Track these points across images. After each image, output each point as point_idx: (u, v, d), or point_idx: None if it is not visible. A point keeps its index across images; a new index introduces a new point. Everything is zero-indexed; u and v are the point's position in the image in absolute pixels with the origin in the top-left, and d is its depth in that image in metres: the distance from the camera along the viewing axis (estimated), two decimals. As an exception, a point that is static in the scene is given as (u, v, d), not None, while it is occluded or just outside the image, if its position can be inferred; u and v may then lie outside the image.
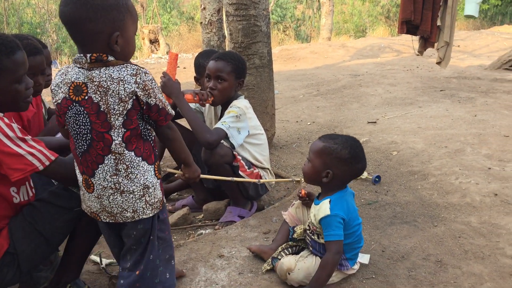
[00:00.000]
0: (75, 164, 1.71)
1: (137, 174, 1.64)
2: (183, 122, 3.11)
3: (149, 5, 21.35)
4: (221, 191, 2.95)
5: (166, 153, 3.40)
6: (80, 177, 1.70)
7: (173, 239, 2.63)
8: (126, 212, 1.66)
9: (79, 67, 1.59)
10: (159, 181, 1.71)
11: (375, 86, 6.51)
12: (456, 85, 6.26)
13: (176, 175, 2.65)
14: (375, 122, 4.66)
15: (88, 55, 1.55)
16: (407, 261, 2.22)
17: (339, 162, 1.95)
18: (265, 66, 3.66)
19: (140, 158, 1.64)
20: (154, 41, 14.27)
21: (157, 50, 14.06)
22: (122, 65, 1.56)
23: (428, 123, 4.46)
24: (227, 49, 3.57)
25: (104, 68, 1.56)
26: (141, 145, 1.65)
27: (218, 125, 2.60)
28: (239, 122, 2.64)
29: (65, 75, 1.62)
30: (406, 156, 3.61)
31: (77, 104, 1.59)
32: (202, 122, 2.63)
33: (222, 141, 2.61)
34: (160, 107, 1.61)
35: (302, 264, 2.00)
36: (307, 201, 2.17)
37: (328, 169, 1.95)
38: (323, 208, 1.93)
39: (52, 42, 18.66)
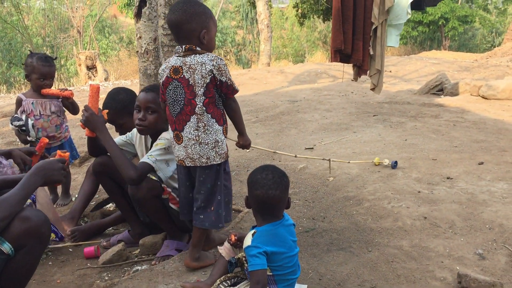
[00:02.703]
0: (169, 124, 2.40)
1: (211, 131, 2.30)
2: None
3: (85, 30, 20.93)
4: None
5: (101, 187, 3.30)
6: (172, 133, 2.39)
7: (107, 278, 2.56)
8: (202, 158, 2.31)
9: (177, 56, 2.31)
10: (225, 139, 2.37)
11: (312, 112, 6.68)
12: (388, 110, 6.55)
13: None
14: (312, 148, 4.76)
15: (183, 46, 2.28)
16: (343, 288, 2.26)
17: (248, 188, 2.08)
18: (202, 95, 3.67)
19: (214, 120, 2.31)
20: (91, 68, 13.93)
21: (94, 77, 13.73)
22: (205, 54, 2.27)
23: (362, 148, 4.62)
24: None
25: (193, 55, 2.27)
26: (215, 111, 2.31)
27: (144, 159, 2.56)
28: (168, 154, 2.60)
29: (168, 62, 2.34)
30: (342, 182, 3.71)
31: (175, 81, 2.29)
32: (126, 159, 2.57)
33: (149, 174, 2.56)
34: (229, 83, 2.29)
35: (240, 296, 1.99)
36: (240, 245, 2.17)
37: (247, 195, 2.10)
38: (247, 239, 1.98)
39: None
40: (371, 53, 5.25)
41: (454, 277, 2.30)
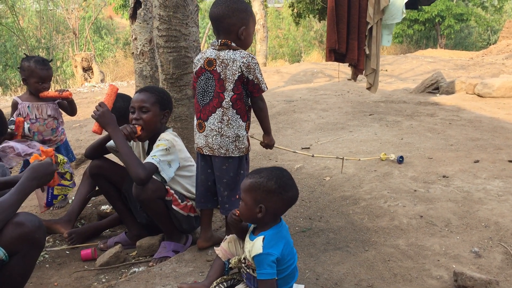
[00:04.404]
0: (195, 112, 2.51)
1: (234, 126, 2.41)
2: (113, 158, 3.04)
3: (81, 32, 20.88)
4: (155, 225, 2.89)
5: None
6: (196, 121, 2.51)
7: (104, 280, 2.56)
8: (221, 149, 2.43)
9: (212, 48, 2.44)
10: (247, 134, 2.49)
11: (308, 111, 6.69)
12: (384, 109, 6.56)
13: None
14: (308, 148, 4.77)
15: (219, 40, 2.40)
16: (340, 288, 2.26)
17: (268, 195, 1.94)
18: (198, 96, 3.67)
19: (239, 116, 2.42)
20: (87, 69, 13.90)
21: (90, 78, 13.70)
22: (238, 50, 2.39)
23: (359, 147, 4.63)
24: (159, 79, 3.55)
25: (227, 50, 2.39)
26: (242, 107, 2.42)
27: (149, 159, 2.55)
28: (169, 155, 2.61)
29: (204, 53, 2.46)
30: (339, 181, 3.71)
31: (208, 72, 2.42)
32: (136, 157, 2.57)
33: (153, 175, 2.57)
34: (255, 82, 2.39)
35: (237, 299, 1.98)
36: (236, 222, 2.09)
37: (260, 204, 1.94)
38: (256, 245, 1.91)
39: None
40: (367, 52, 5.25)
41: (450, 275, 2.31)
